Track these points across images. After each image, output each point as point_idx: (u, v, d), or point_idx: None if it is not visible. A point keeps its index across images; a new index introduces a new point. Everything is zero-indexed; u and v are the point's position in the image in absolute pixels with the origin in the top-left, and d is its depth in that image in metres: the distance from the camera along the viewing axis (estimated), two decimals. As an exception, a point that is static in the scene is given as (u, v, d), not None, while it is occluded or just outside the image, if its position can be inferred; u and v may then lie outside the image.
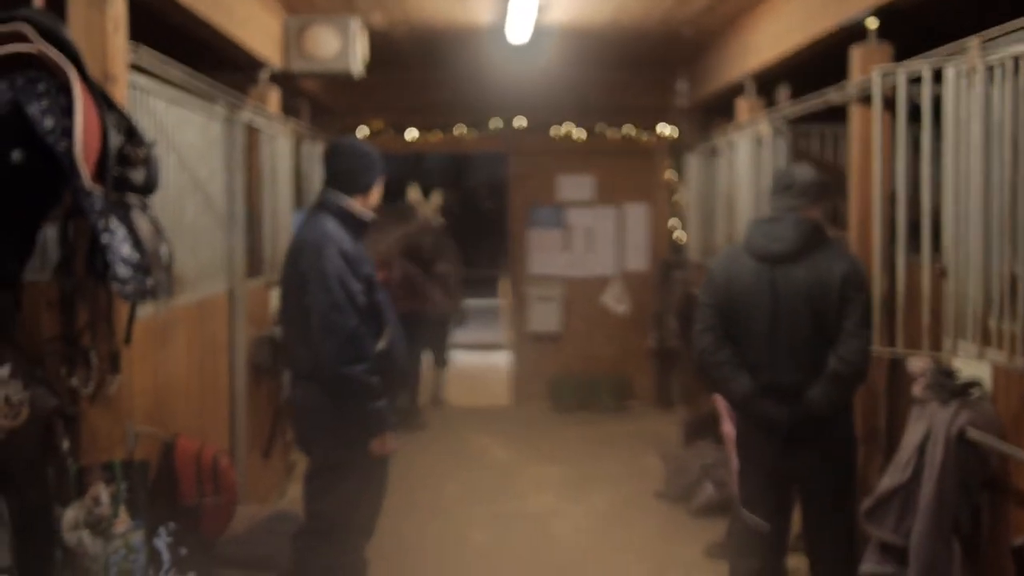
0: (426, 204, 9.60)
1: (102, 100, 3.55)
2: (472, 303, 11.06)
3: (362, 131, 9.82)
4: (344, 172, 4.24)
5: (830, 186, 4.56)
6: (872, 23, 5.06)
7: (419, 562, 5.75)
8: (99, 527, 3.76)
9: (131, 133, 3.68)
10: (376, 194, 4.35)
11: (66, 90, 3.43)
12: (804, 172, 4.37)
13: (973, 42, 3.90)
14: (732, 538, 4.68)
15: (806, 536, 4.51)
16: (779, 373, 4.21)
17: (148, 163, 3.70)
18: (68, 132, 3.39)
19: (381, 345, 4.11)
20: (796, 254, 4.19)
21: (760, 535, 4.43)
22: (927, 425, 3.75)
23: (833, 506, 4.36)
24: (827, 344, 4.19)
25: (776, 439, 4.26)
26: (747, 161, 7.25)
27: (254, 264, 6.36)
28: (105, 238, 3.50)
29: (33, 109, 3.41)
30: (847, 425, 4.41)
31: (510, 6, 6.63)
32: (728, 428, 5.31)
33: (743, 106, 7.67)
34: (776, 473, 4.39)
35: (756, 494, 4.45)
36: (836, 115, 5.74)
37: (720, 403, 5.33)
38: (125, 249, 3.58)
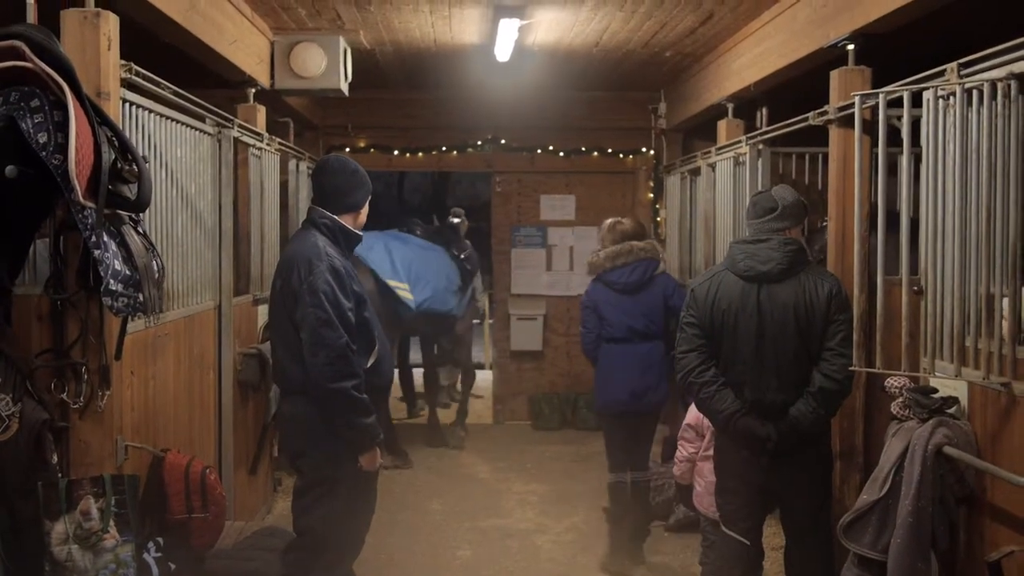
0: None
1: (95, 116, 3.58)
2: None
3: (346, 149, 9.86)
4: (334, 190, 4.27)
5: (807, 206, 4.68)
6: (851, 48, 5.17)
7: (405, 577, 5.79)
8: (89, 541, 3.78)
9: (124, 149, 3.71)
10: (365, 212, 4.39)
11: (60, 106, 3.47)
12: (787, 194, 4.49)
13: (951, 67, 3.99)
14: (710, 556, 4.71)
15: (786, 550, 4.58)
16: (763, 391, 4.30)
17: (140, 179, 3.73)
18: (62, 148, 3.43)
19: (370, 361, 4.15)
20: (783, 274, 4.31)
21: (739, 552, 4.49)
22: (905, 442, 3.82)
23: (813, 520, 4.44)
24: (810, 362, 4.29)
25: (762, 456, 4.32)
26: (727, 182, 7.34)
27: (241, 280, 6.39)
28: (97, 253, 3.53)
29: (27, 124, 3.45)
30: (826, 441, 4.50)
31: (496, 27, 6.71)
32: (683, 452, 5.35)
33: (723, 128, 7.77)
34: (758, 490, 4.46)
35: (738, 511, 4.51)
36: (815, 137, 5.84)
37: (685, 426, 5.35)
38: (117, 264, 3.61)
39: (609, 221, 6.20)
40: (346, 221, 4.28)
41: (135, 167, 3.71)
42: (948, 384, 3.96)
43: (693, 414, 5.23)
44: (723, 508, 4.58)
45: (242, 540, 4.87)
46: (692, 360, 4.40)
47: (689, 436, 5.30)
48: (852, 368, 4.29)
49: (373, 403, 4.10)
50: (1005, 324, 3.58)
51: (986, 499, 3.72)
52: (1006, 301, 3.59)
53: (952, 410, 3.88)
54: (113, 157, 3.61)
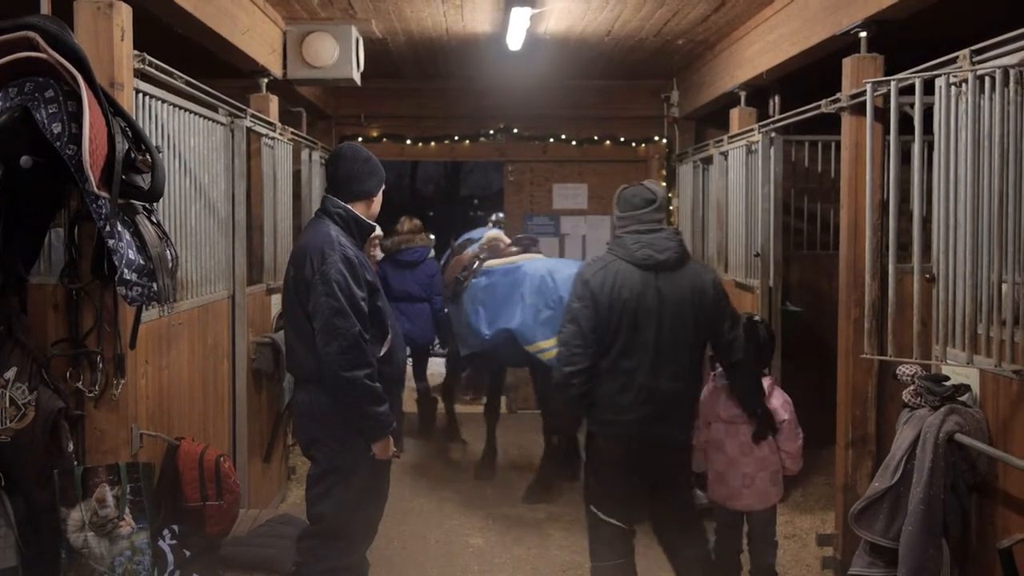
0: None
1: (109, 106, 3.60)
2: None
3: (359, 139, 9.89)
4: (346, 178, 4.28)
5: None
6: (863, 35, 5.15)
7: (419, 564, 5.80)
8: (104, 528, 3.81)
9: (137, 139, 3.73)
10: (379, 201, 4.39)
11: (74, 96, 3.49)
12: (658, 188, 4.62)
13: (963, 54, 3.98)
14: (595, 545, 4.68)
15: (666, 527, 4.66)
16: (658, 377, 4.38)
17: (154, 169, 3.75)
18: (76, 138, 3.45)
19: (383, 350, 4.16)
20: (677, 263, 4.44)
21: (621, 536, 4.56)
22: (916, 430, 3.82)
23: (687, 494, 4.68)
24: (700, 348, 4.49)
25: (650, 441, 4.43)
26: (739, 171, 7.33)
27: (254, 270, 6.42)
28: (111, 242, 3.55)
29: (41, 115, 3.47)
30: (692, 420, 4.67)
31: (507, 16, 6.71)
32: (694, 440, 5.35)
33: (736, 116, 7.76)
34: (642, 475, 4.53)
35: (619, 498, 4.55)
36: (828, 125, 5.83)
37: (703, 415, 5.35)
38: (131, 254, 3.63)
39: (409, 223, 8.85)
40: (358, 209, 4.28)
41: (148, 157, 3.73)
42: (960, 372, 3.96)
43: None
44: (600, 498, 4.57)
45: (256, 527, 4.90)
46: (583, 347, 4.42)
47: (698, 424, 5.31)
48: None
49: (386, 392, 4.11)
50: None
51: (998, 486, 3.72)
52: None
53: (964, 398, 3.88)
54: (127, 147, 3.63)
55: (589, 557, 4.74)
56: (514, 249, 7.38)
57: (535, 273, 6.77)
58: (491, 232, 7.70)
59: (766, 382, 4.84)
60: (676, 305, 4.38)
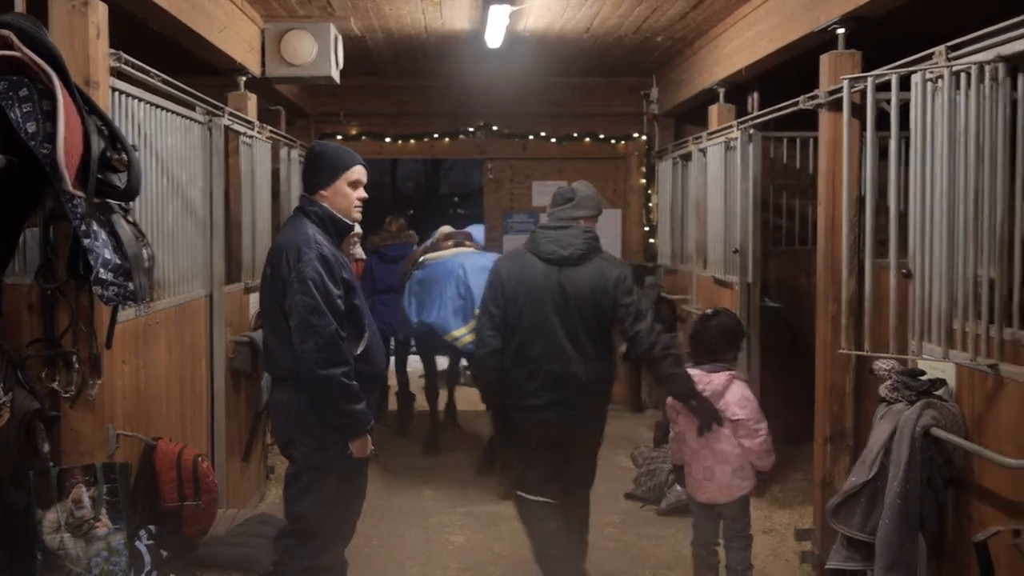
0: None
1: (84, 105, 3.58)
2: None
3: (337, 137, 9.86)
4: (303, 174, 4.39)
5: (601, 201, 5.12)
6: (840, 31, 5.17)
7: (398, 563, 5.79)
8: (80, 529, 3.79)
9: (113, 138, 3.71)
10: (342, 194, 4.26)
11: (49, 95, 3.46)
12: (584, 188, 4.96)
13: (939, 50, 4.00)
14: (527, 521, 5.00)
15: (567, 490, 5.01)
16: (563, 363, 4.73)
17: (130, 168, 3.74)
18: (51, 137, 3.43)
19: (360, 348, 4.15)
20: (580, 259, 4.78)
21: (549, 508, 4.88)
22: (893, 424, 3.84)
23: (591, 465, 5.12)
24: (600, 337, 4.80)
25: (559, 423, 4.79)
26: (718, 167, 7.36)
27: (232, 268, 6.39)
28: (87, 242, 3.53)
29: (15, 113, 3.45)
30: (608, 393, 5.09)
31: (486, 13, 6.70)
32: (671, 432, 5.37)
33: (715, 113, 7.78)
34: (555, 451, 4.90)
35: (541, 477, 4.90)
36: (807, 122, 5.85)
37: (673, 405, 5.36)
38: (107, 253, 3.61)
39: (395, 223, 9.10)
40: (321, 200, 4.22)
41: (124, 156, 3.71)
42: (936, 366, 3.98)
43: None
44: (525, 480, 4.91)
45: (234, 527, 4.88)
46: (489, 332, 4.84)
47: (672, 416, 5.32)
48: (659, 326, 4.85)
49: (363, 390, 4.10)
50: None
51: (973, 480, 3.75)
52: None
53: (940, 392, 3.91)
54: (102, 146, 3.61)
55: (527, 536, 5.02)
56: (450, 243, 7.84)
57: (452, 267, 7.26)
58: (443, 228, 8.17)
59: (723, 376, 4.81)
60: (576, 299, 4.74)
